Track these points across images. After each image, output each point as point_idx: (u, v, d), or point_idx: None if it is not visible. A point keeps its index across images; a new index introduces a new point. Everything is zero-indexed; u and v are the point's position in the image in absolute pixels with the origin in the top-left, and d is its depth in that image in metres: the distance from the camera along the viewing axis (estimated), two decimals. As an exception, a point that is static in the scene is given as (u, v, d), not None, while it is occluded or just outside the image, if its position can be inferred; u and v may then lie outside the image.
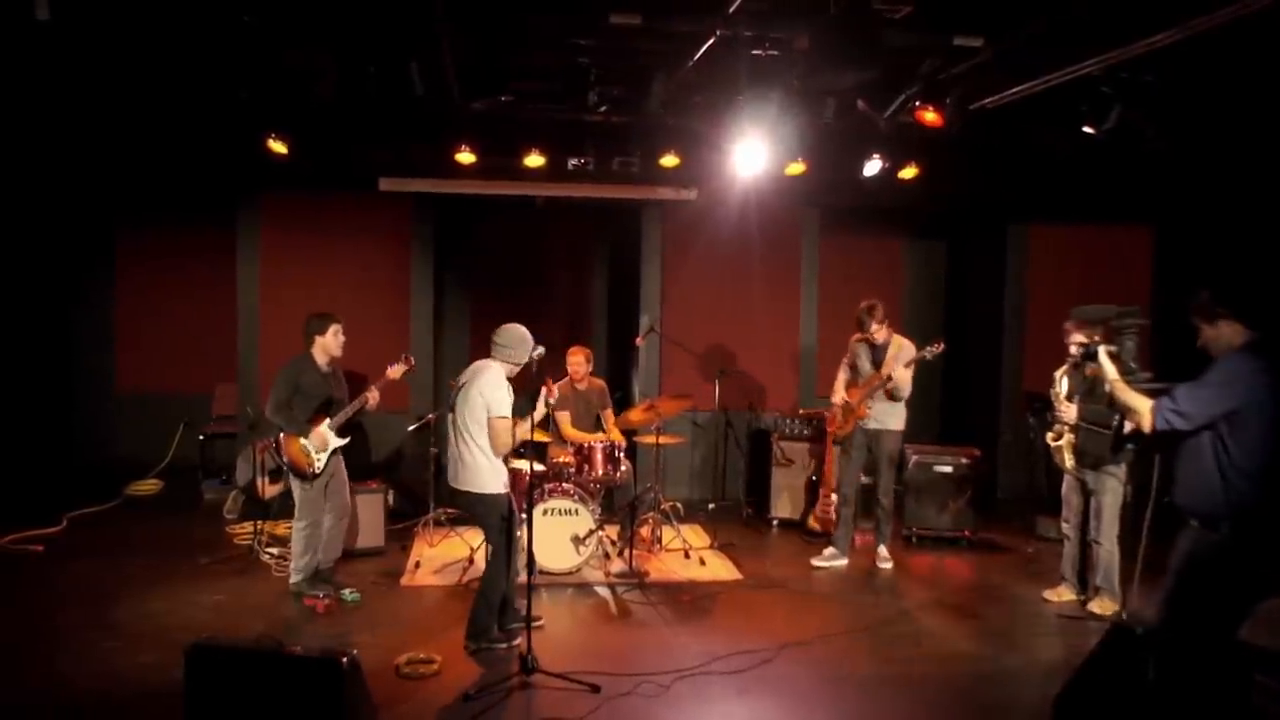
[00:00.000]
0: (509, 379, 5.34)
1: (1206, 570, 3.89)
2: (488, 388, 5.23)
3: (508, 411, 5.21)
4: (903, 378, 6.85)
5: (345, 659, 3.74)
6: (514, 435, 5.23)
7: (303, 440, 6.01)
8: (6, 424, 8.53)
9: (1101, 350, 4.59)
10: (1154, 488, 4.89)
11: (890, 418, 7.03)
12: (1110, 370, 4.45)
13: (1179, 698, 3.82)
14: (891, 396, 6.95)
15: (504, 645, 5.32)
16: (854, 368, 7.23)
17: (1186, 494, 4.00)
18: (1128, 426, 4.61)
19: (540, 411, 5.37)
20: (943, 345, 6.92)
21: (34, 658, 5.07)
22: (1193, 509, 3.97)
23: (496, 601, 5.36)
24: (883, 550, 7.21)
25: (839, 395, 7.21)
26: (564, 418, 7.55)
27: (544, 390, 5.40)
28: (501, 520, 5.32)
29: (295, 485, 6.09)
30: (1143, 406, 4.09)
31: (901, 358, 6.87)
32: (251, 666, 3.84)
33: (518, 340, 5.34)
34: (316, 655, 3.86)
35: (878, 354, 7.04)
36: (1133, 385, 4.30)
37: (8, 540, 7.06)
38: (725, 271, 9.44)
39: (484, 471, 5.26)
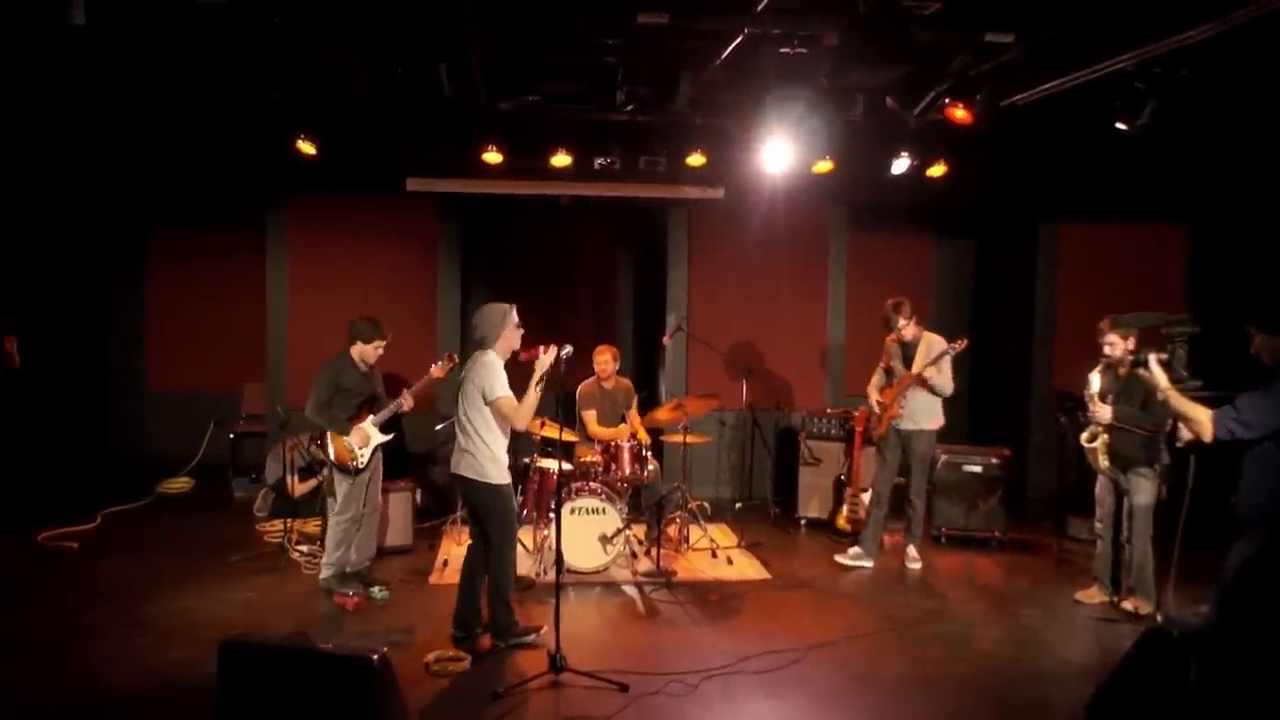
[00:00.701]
0: (507, 354, 5.33)
1: (1264, 577, 3.84)
2: (480, 374, 5.22)
3: (505, 390, 5.18)
4: (935, 375, 6.80)
5: (376, 657, 3.75)
6: (525, 409, 5.17)
7: (346, 438, 6.06)
8: (42, 423, 8.65)
9: (1152, 358, 4.53)
10: (1189, 489, 4.84)
11: (925, 418, 6.97)
12: (1162, 379, 4.41)
13: (1222, 703, 3.75)
14: (934, 392, 6.89)
15: (532, 636, 5.33)
16: (889, 370, 7.20)
17: (1248, 502, 3.96)
18: (1184, 435, 4.53)
19: (546, 360, 5.20)
20: (966, 342, 6.85)
21: (69, 654, 5.13)
22: (1253, 517, 3.92)
23: (509, 593, 5.35)
24: (912, 550, 7.16)
25: (873, 398, 7.18)
26: (590, 416, 7.55)
27: (544, 347, 5.24)
28: (505, 511, 5.32)
29: (339, 478, 6.14)
30: (1203, 416, 4.06)
31: (930, 354, 6.82)
32: (283, 663, 3.86)
33: (488, 323, 5.29)
34: (348, 653, 3.87)
35: (908, 351, 7.00)
36: (1185, 394, 4.25)
37: (45, 537, 7.17)
38: (752, 270, 9.42)
39: (484, 459, 5.23)
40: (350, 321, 6.24)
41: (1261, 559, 3.86)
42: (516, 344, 5.37)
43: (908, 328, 6.93)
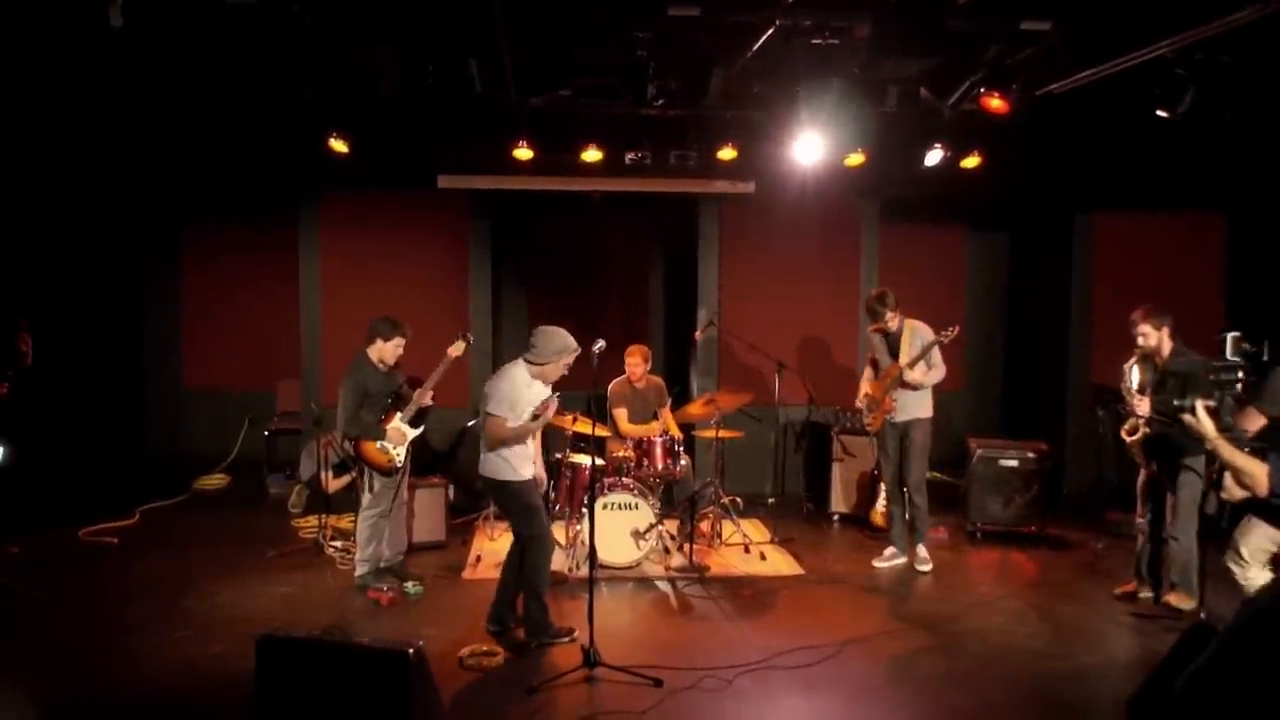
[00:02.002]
0: (542, 379, 5.35)
1: None
2: (496, 381, 5.28)
3: (503, 412, 5.19)
4: (917, 378, 6.65)
5: (412, 651, 3.76)
6: (502, 435, 5.20)
7: (380, 443, 6.09)
8: (81, 420, 8.77)
9: (1200, 405, 4.28)
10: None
11: (917, 407, 6.79)
12: (1210, 428, 4.20)
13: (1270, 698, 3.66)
14: (915, 388, 6.74)
15: (565, 639, 5.32)
16: (875, 363, 7.06)
17: None
18: (1232, 491, 4.29)
19: (525, 419, 5.28)
20: (958, 329, 6.68)
21: (109, 648, 5.21)
22: None
23: (543, 591, 5.35)
24: (921, 551, 6.90)
25: (863, 392, 7.04)
26: (621, 414, 7.55)
27: (540, 408, 5.32)
28: (525, 508, 5.33)
29: (375, 476, 6.16)
30: (1257, 469, 3.90)
31: (915, 343, 6.69)
32: (320, 658, 3.88)
33: (545, 343, 5.29)
34: (383, 647, 3.89)
35: (893, 342, 6.84)
36: (1235, 443, 4.08)
37: (85, 533, 7.28)
38: (784, 265, 9.36)
39: (494, 458, 5.27)
40: (370, 321, 6.25)
41: None
42: (555, 377, 5.39)
43: (894, 319, 6.78)
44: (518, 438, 5.26)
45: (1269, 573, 4.78)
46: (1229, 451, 4.03)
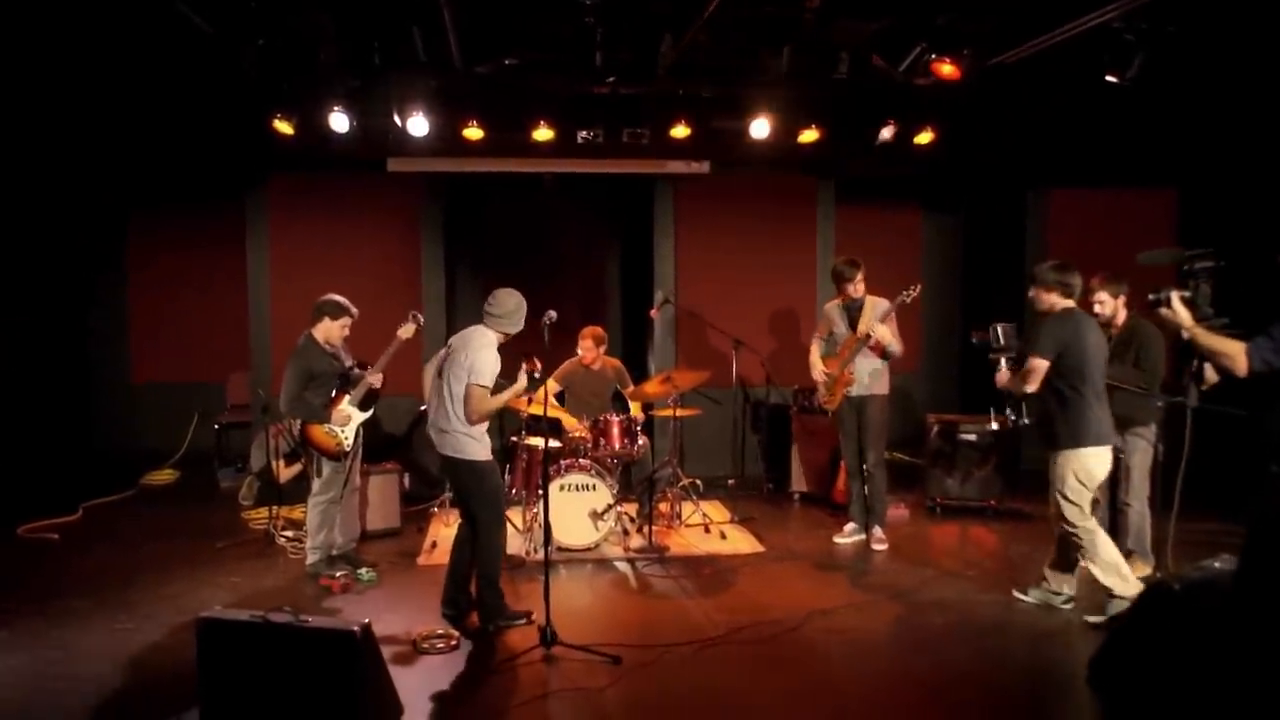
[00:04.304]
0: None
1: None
2: (476, 351, 5.08)
3: (489, 381, 5.06)
4: (885, 334, 6.56)
5: (358, 628, 3.65)
6: (489, 407, 5.07)
7: (326, 426, 5.94)
8: (24, 415, 8.51)
9: (1175, 296, 4.19)
10: (1187, 447, 4.73)
11: (874, 383, 6.72)
12: (1186, 317, 4.13)
13: (1235, 653, 3.63)
14: (882, 355, 6.67)
15: (521, 621, 5.21)
16: (828, 338, 6.93)
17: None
18: (1210, 377, 4.35)
19: (521, 384, 5.19)
20: (920, 287, 6.66)
21: (47, 641, 5.01)
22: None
23: (498, 576, 5.23)
24: (877, 531, 6.82)
25: (818, 370, 6.92)
26: (553, 388, 7.39)
27: (525, 366, 5.21)
28: (490, 491, 5.21)
29: (324, 462, 6.02)
30: (1234, 349, 3.81)
31: (878, 314, 6.62)
32: (264, 639, 3.75)
33: (513, 308, 5.18)
34: (329, 627, 3.77)
35: (853, 314, 6.75)
36: (1212, 330, 4.05)
37: (25, 529, 7.04)
38: (740, 246, 9.31)
39: (464, 436, 5.11)
40: (314, 303, 6.08)
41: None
42: (513, 332, 5.27)
43: (859, 287, 6.68)
44: (491, 408, 5.10)
45: None
46: (1205, 337, 3.99)
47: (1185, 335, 4.17)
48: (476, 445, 5.15)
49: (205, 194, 9.57)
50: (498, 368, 5.10)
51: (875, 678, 4.64)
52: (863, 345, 6.62)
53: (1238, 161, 8.38)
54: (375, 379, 6.08)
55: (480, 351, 5.08)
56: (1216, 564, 4.20)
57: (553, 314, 5.04)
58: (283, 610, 3.78)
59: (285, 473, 7.47)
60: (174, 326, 10.12)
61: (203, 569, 6.25)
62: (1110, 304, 5.85)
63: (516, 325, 5.21)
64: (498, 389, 5.13)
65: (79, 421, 9.71)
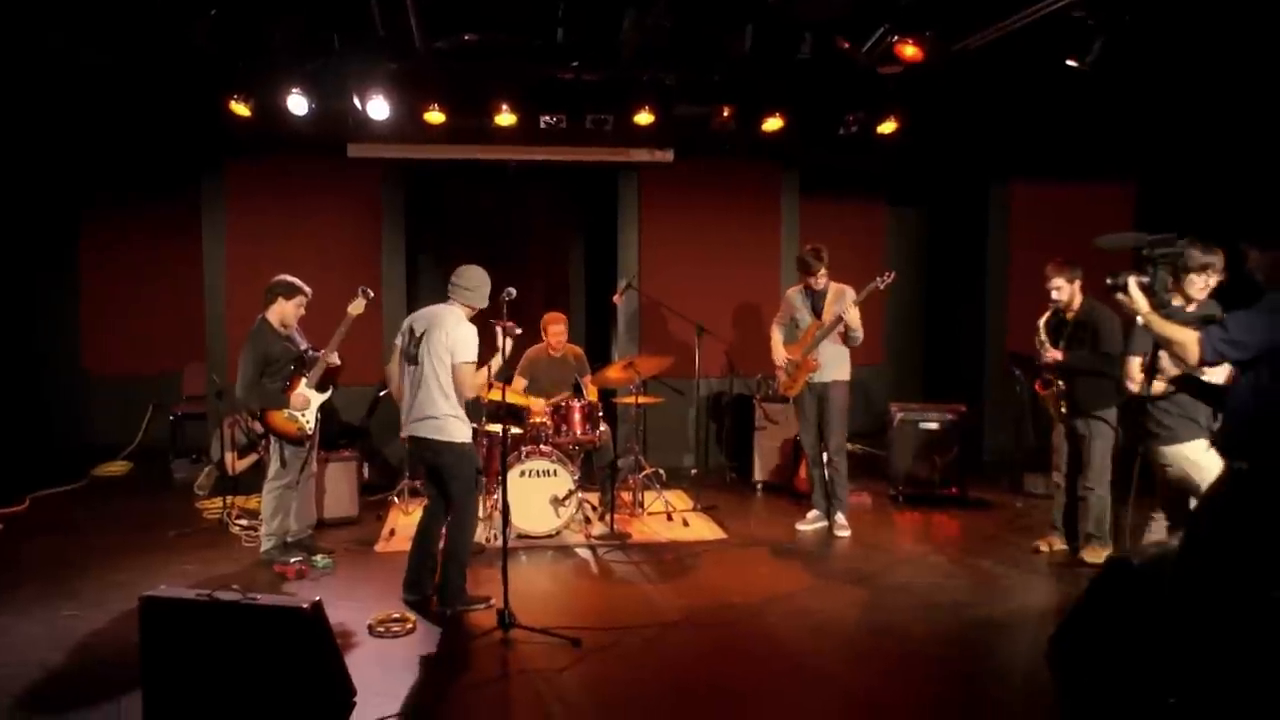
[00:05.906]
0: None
1: (1239, 508, 3.64)
2: (455, 331, 5.03)
3: (475, 356, 5.02)
4: (857, 317, 6.55)
5: (308, 605, 3.55)
6: (481, 380, 5.07)
7: (286, 411, 5.82)
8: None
9: (1131, 280, 4.11)
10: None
11: (836, 369, 6.69)
12: (1142, 302, 4.06)
13: (1190, 628, 3.63)
14: (847, 340, 6.66)
15: (481, 605, 5.13)
16: (788, 324, 6.91)
17: (1233, 430, 3.73)
18: (1167, 367, 4.37)
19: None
20: (894, 275, 6.66)
21: (-12, 628, 4.86)
22: (1236, 446, 3.67)
23: (466, 557, 5.16)
24: (840, 518, 6.79)
25: (780, 355, 6.88)
26: (519, 384, 7.33)
27: (500, 329, 5.11)
28: (471, 473, 5.14)
29: (286, 446, 5.89)
30: (1187, 338, 3.73)
31: (843, 302, 6.60)
32: (209, 618, 3.63)
33: (480, 282, 5.16)
34: (277, 604, 3.66)
35: (817, 301, 6.74)
36: (1169, 318, 4.01)
37: (-33, 520, 6.85)
38: (704, 235, 9.26)
39: (449, 419, 5.05)
40: (266, 286, 5.96)
41: (1241, 489, 3.62)
42: (480, 306, 5.23)
43: (824, 277, 6.66)
44: (483, 381, 5.06)
45: None
46: (1160, 324, 3.91)
47: (1140, 321, 4.14)
48: (463, 427, 5.11)
49: (159, 180, 9.38)
50: (477, 341, 5.06)
51: (836, 658, 4.60)
52: (830, 330, 6.58)
53: (1196, 155, 8.47)
54: (333, 358, 5.96)
55: (458, 328, 5.05)
56: (1174, 542, 4.21)
57: (512, 290, 4.95)
58: (230, 589, 3.68)
59: (238, 465, 7.32)
60: (128, 316, 9.88)
61: (154, 557, 6.10)
62: (1066, 289, 5.88)
63: (484, 299, 5.19)
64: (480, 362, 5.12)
65: (29, 415, 9.42)
